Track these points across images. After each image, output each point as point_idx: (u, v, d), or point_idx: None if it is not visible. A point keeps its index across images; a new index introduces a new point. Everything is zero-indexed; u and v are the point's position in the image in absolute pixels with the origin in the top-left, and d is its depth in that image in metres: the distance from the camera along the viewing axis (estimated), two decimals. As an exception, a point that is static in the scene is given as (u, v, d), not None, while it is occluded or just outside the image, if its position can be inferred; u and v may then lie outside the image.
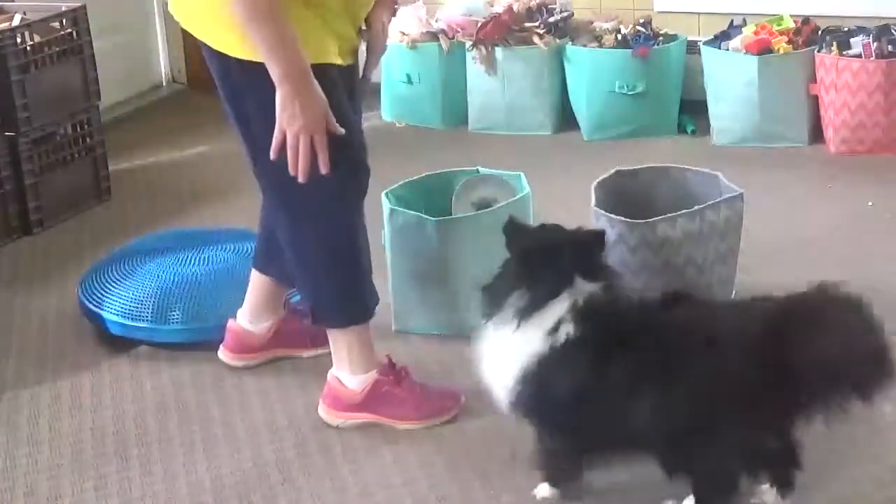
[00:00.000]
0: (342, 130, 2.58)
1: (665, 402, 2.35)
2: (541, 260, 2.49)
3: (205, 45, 2.70)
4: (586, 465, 2.54)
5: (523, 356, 2.45)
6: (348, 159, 2.69)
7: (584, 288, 2.45)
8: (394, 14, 2.93)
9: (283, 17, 2.49)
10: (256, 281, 3.16)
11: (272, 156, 2.57)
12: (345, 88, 2.73)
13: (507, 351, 2.49)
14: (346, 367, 2.90)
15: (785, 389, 2.31)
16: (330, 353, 2.95)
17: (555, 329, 2.42)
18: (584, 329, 2.42)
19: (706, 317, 2.46)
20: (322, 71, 2.59)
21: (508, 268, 2.53)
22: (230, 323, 3.18)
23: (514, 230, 2.58)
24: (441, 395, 2.96)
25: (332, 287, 2.87)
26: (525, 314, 2.45)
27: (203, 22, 2.69)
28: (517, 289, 2.47)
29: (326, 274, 2.85)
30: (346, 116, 2.66)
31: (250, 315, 3.17)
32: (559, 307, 2.44)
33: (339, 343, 2.90)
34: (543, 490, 2.59)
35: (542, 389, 2.44)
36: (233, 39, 2.60)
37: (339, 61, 2.69)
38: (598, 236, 2.57)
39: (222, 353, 3.20)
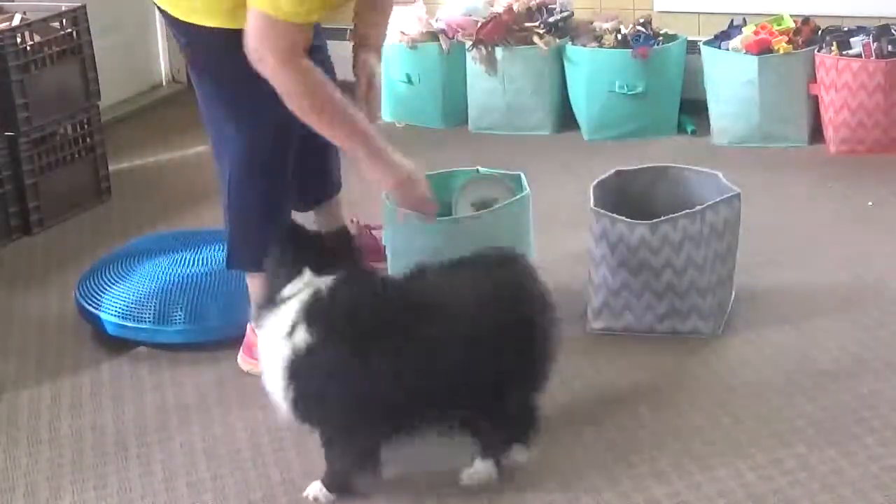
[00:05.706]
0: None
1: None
2: (274, 258, 2.51)
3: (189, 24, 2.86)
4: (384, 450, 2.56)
5: (278, 361, 2.43)
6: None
7: (315, 283, 2.43)
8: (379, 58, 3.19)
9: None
10: (319, 215, 3.34)
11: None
12: None
13: (266, 357, 2.49)
14: None
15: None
16: None
17: (291, 332, 2.42)
18: (317, 330, 2.39)
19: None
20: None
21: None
22: None
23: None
24: None
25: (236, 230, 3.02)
26: (261, 316, 2.47)
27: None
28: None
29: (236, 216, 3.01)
30: None
31: None
32: (291, 308, 2.42)
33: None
34: (315, 489, 2.60)
35: (305, 393, 2.44)
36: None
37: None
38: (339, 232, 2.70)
39: None
